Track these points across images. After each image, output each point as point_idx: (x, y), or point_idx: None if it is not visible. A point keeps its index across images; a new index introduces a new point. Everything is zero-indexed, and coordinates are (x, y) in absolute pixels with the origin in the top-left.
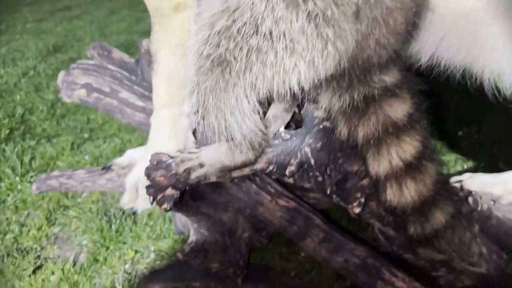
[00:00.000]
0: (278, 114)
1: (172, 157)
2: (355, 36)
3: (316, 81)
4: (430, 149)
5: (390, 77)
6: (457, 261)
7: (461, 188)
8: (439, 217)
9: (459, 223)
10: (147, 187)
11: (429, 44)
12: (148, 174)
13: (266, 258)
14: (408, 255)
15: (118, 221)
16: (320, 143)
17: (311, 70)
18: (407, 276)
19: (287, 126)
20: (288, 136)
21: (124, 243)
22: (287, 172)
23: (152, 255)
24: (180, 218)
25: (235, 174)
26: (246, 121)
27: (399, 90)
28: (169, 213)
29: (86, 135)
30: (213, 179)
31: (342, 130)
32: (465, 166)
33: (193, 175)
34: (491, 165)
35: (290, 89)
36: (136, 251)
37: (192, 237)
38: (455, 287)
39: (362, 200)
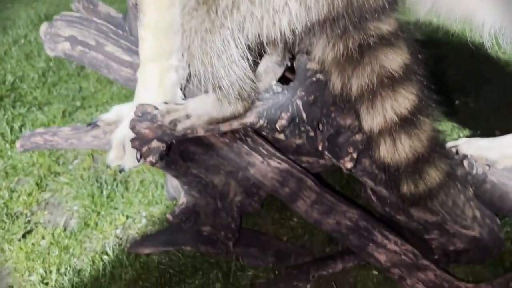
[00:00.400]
0: (270, 67)
1: (157, 109)
2: None
3: (308, 24)
4: (426, 104)
5: (386, 25)
6: (450, 223)
7: (457, 153)
8: (433, 175)
9: (453, 184)
10: (132, 140)
11: None
12: (132, 126)
13: (258, 224)
14: (400, 216)
15: (109, 187)
16: (312, 96)
17: (303, 9)
18: (399, 239)
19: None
20: (279, 89)
21: (116, 208)
22: (277, 126)
23: (144, 221)
24: (172, 184)
25: (224, 127)
26: (234, 67)
27: (396, 40)
28: (161, 179)
29: (78, 103)
30: (200, 132)
31: (336, 82)
32: (461, 135)
33: (180, 127)
34: (488, 134)
35: (280, 32)
36: (127, 217)
37: (183, 199)
38: (447, 250)
39: (355, 155)
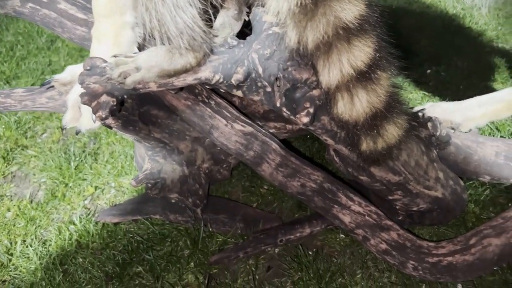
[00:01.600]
0: (227, 21)
1: (107, 62)
2: None
3: None
4: (384, 58)
5: None
6: (413, 184)
7: (423, 117)
8: (392, 132)
9: (416, 145)
10: (81, 95)
11: None
12: (81, 81)
13: (229, 192)
14: (363, 176)
15: (78, 159)
16: (268, 50)
17: None
18: (364, 200)
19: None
20: (235, 43)
21: (84, 179)
22: (233, 81)
23: (113, 191)
24: (141, 153)
25: (178, 82)
26: (181, 13)
27: None
28: (131, 151)
29: (47, 77)
30: (153, 86)
31: (292, 35)
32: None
33: (129, 80)
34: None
35: None
36: (96, 187)
37: (147, 165)
38: (410, 211)
39: (311, 110)
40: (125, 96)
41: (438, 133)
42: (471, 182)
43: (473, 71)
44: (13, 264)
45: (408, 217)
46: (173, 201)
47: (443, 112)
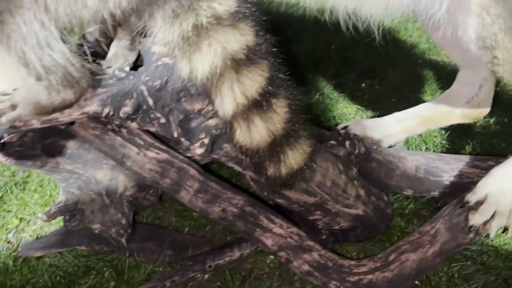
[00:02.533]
0: (119, 52)
1: None
2: None
3: (123, 7)
4: (279, 86)
5: (222, 5)
6: (331, 203)
7: (346, 133)
8: (293, 157)
9: (333, 165)
10: None
11: None
12: None
13: (160, 217)
14: (279, 199)
15: (3, 189)
16: (159, 81)
17: None
18: (285, 222)
19: None
20: (123, 75)
21: (9, 211)
22: (121, 114)
23: (39, 222)
24: None
25: (63, 118)
26: (47, 52)
27: (235, 20)
28: None
29: None
30: (36, 123)
31: (182, 66)
32: (364, 117)
33: (3, 119)
34: (389, 114)
35: (95, 14)
36: (21, 219)
37: (61, 197)
38: (333, 229)
39: (206, 140)
40: (6, 135)
41: (356, 151)
42: (397, 195)
43: (405, 83)
44: None
45: (332, 236)
46: (96, 231)
47: (364, 129)
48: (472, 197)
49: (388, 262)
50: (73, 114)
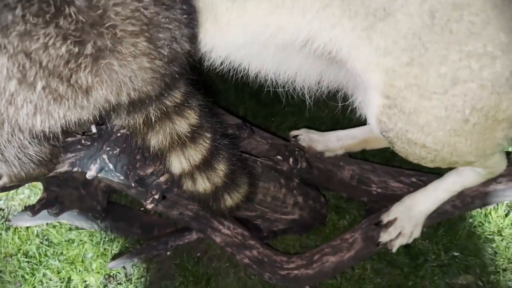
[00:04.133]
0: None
1: None
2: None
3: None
4: (218, 152)
5: (170, 99)
6: (270, 213)
7: (291, 150)
8: (233, 199)
9: (274, 183)
10: None
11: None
12: None
13: (131, 201)
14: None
15: None
16: (118, 149)
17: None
18: (232, 224)
19: None
20: (88, 142)
21: None
22: (88, 176)
23: (26, 191)
24: None
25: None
26: (21, 156)
27: (182, 108)
28: None
29: None
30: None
31: (137, 138)
32: None
33: None
34: None
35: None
36: None
37: (43, 195)
38: (272, 230)
39: (157, 196)
40: None
41: (298, 166)
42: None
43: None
44: None
45: (272, 233)
46: (75, 213)
47: (311, 141)
48: (385, 218)
49: (312, 261)
50: (48, 174)
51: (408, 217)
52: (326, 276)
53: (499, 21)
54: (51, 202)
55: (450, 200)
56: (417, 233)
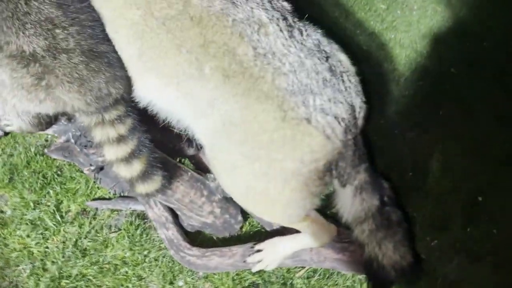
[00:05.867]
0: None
1: None
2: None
3: None
4: (138, 155)
5: (107, 115)
6: (186, 211)
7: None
8: (144, 188)
9: (196, 191)
10: None
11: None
12: None
13: None
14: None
15: None
16: (79, 132)
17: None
18: (163, 207)
19: None
20: (65, 122)
21: None
22: (58, 141)
23: None
24: None
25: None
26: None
27: (114, 122)
28: None
29: None
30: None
31: (89, 130)
32: None
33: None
34: None
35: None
36: None
37: (59, 140)
38: (190, 224)
39: (92, 168)
40: None
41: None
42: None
43: None
44: None
45: (190, 226)
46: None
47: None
48: (257, 246)
49: (203, 255)
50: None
51: (271, 252)
52: (209, 269)
53: None
54: (63, 146)
55: (309, 252)
56: (272, 266)
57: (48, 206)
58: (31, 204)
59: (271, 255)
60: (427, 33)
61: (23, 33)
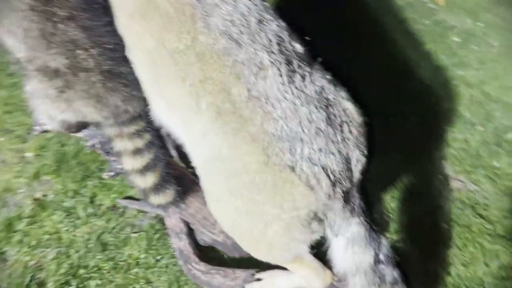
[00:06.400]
0: None
1: None
2: None
3: None
4: (153, 168)
5: (126, 129)
6: (198, 226)
7: None
8: (156, 199)
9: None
10: None
11: None
12: None
13: None
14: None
15: None
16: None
17: None
18: (180, 218)
19: None
20: (94, 128)
21: None
22: (87, 145)
23: None
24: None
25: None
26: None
27: (133, 135)
28: None
29: None
30: None
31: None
32: None
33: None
34: None
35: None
36: None
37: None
38: (203, 238)
39: (111, 173)
40: None
41: None
42: None
43: None
44: None
45: (203, 241)
46: None
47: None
48: (258, 275)
49: (208, 272)
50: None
51: (270, 283)
52: (211, 287)
53: None
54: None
55: None
56: None
57: (84, 197)
58: (70, 192)
59: (269, 286)
60: (500, 74)
61: (48, 51)
